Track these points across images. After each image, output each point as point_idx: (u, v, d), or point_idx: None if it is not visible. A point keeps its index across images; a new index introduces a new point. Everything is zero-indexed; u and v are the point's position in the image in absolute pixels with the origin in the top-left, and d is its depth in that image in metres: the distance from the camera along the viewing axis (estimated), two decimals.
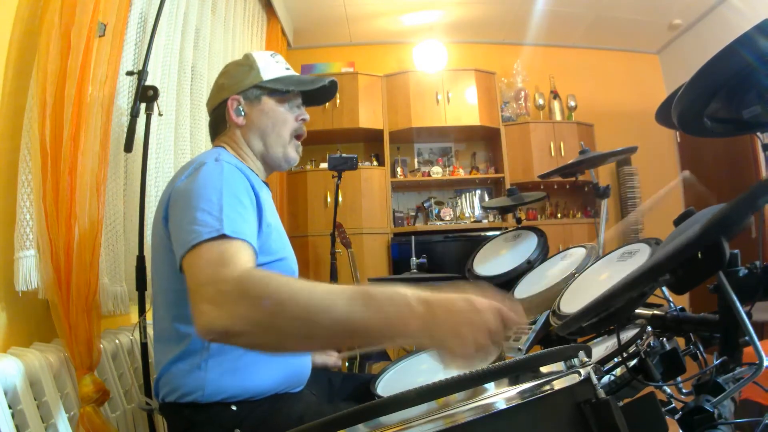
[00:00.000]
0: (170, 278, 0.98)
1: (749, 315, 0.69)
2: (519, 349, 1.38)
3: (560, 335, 0.88)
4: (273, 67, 1.18)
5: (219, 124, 1.18)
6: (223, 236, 0.80)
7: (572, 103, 4.41)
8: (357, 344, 0.74)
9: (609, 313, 0.74)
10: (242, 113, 1.14)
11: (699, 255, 0.60)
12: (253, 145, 1.16)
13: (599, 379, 0.57)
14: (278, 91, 1.15)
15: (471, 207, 4.30)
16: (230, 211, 0.86)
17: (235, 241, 0.81)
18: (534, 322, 1.47)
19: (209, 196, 0.88)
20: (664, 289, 0.92)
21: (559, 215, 4.32)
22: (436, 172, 4.22)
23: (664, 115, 0.96)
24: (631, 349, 0.86)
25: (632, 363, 0.83)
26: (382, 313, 0.69)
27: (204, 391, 0.94)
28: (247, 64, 1.17)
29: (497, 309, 0.68)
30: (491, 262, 1.75)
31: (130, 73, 1.61)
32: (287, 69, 1.21)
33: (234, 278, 0.75)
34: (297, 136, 1.20)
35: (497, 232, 2.20)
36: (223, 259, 0.78)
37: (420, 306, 0.68)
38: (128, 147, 1.50)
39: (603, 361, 0.90)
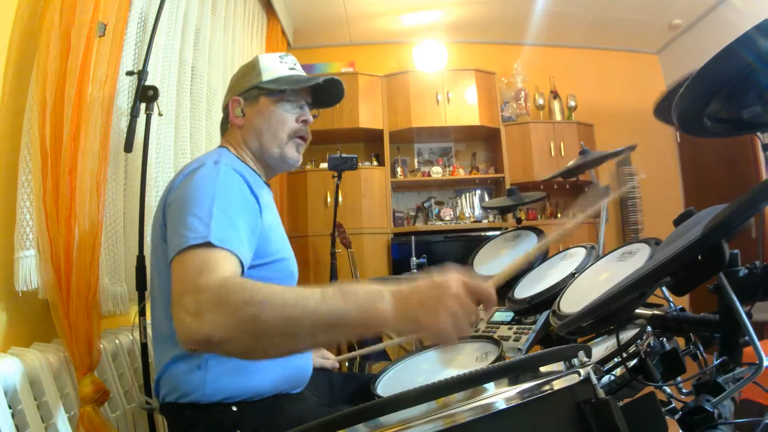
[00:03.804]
0: (169, 278, 0.98)
1: (749, 315, 0.69)
2: (519, 349, 1.38)
3: (560, 335, 0.88)
4: (276, 68, 1.17)
5: (224, 124, 1.22)
6: (209, 244, 0.80)
7: (572, 103, 4.41)
8: (340, 336, 0.76)
9: (609, 313, 0.74)
10: (242, 114, 1.16)
11: (699, 257, 0.60)
12: (250, 145, 1.16)
13: (599, 379, 0.57)
14: (273, 91, 1.14)
15: (471, 207, 4.30)
16: (220, 217, 0.85)
17: (219, 250, 0.81)
18: (534, 322, 1.47)
19: (202, 201, 0.88)
20: (664, 289, 0.92)
21: (559, 215, 4.32)
22: (436, 172, 4.21)
23: (662, 110, 0.96)
24: (631, 349, 0.86)
25: (632, 363, 0.83)
26: (357, 304, 0.72)
27: (204, 391, 0.94)
28: (251, 65, 1.18)
29: (461, 281, 0.73)
30: (491, 262, 1.75)
31: (130, 73, 1.61)
32: (291, 69, 1.18)
33: (213, 287, 0.74)
34: (300, 138, 1.18)
35: (497, 232, 2.20)
36: (205, 268, 0.77)
37: (390, 293, 0.73)
38: (128, 147, 1.50)
39: (603, 361, 0.90)
